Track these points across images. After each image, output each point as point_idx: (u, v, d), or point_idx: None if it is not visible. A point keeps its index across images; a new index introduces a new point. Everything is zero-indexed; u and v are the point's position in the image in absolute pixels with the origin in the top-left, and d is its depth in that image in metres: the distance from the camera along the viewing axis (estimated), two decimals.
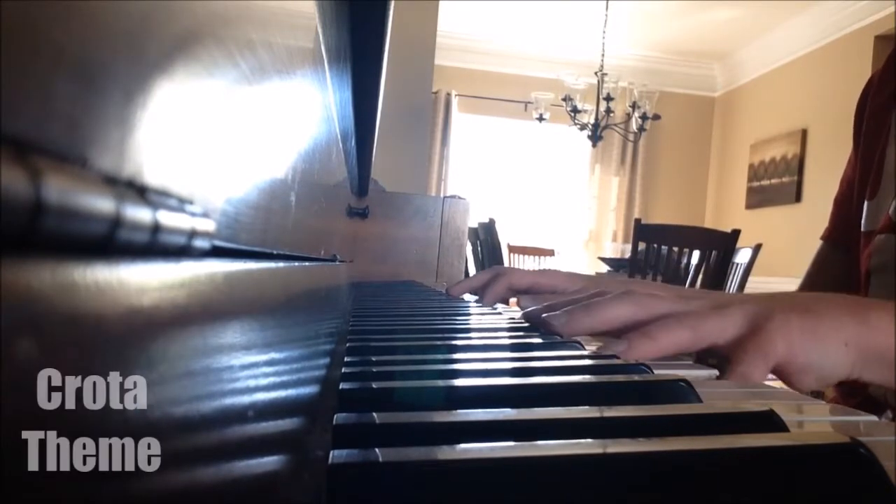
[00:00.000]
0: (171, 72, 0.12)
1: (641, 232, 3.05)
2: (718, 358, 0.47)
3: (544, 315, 0.55)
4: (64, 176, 0.07)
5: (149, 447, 0.10)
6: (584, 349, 0.48)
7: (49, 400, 0.07)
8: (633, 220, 3.41)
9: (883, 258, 0.74)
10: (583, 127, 4.51)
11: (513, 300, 0.94)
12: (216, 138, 0.15)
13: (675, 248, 3.05)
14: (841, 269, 0.85)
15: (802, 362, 0.44)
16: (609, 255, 5.28)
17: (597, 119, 4.44)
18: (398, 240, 1.97)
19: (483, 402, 0.30)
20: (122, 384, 0.09)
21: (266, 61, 0.21)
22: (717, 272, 2.93)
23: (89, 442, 0.08)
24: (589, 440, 0.23)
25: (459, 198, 2.06)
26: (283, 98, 0.27)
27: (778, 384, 0.46)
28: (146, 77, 0.11)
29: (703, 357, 0.52)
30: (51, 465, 0.07)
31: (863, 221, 0.80)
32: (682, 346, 0.47)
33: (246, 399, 0.17)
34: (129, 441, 0.09)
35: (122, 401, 0.09)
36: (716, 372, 0.46)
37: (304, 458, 0.24)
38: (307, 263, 0.35)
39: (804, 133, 4.82)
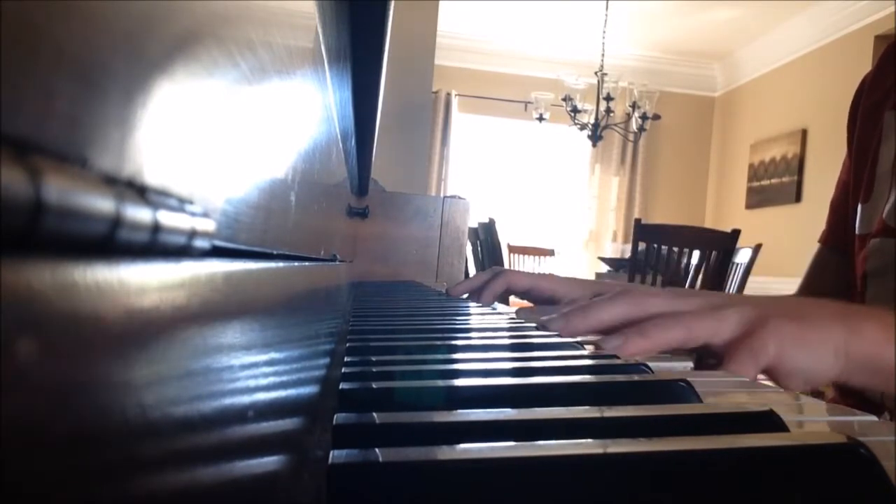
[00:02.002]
0: (171, 72, 0.12)
1: (641, 232, 3.05)
2: (714, 357, 0.48)
3: (542, 318, 0.56)
4: (64, 176, 0.07)
5: (149, 447, 0.10)
6: (584, 349, 0.48)
7: (49, 400, 0.07)
8: (633, 220, 3.41)
9: (878, 261, 0.74)
10: (583, 127, 4.51)
11: (513, 299, 0.94)
12: (216, 138, 0.15)
13: (675, 248, 3.05)
14: (838, 272, 0.85)
15: (790, 366, 0.45)
16: (609, 255, 5.28)
17: (597, 119, 4.44)
18: (398, 240, 1.97)
19: (483, 402, 0.30)
20: (121, 383, 0.09)
21: (266, 61, 0.21)
22: (717, 272, 2.93)
23: (89, 441, 0.08)
24: (589, 440, 0.23)
25: (459, 198, 2.06)
26: (283, 98, 0.27)
27: (773, 384, 0.47)
28: (146, 77, 0.11)
29: (703, 358, 0.52)
30: (51, 466, 0.07)
31: (857, 224, 0.80)
32: (676, 343, 0.48)
33: (246, 399, 0.17)
34: (129, 440, 0.09)
35: (121, 400, 0.09)
36: (690, 364, 0.48)
37: (304, 458, 0.24)
38: (307, 263, 0.35)
39: (804, 133, 4.82)
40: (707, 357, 0.50)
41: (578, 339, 0.52)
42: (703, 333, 0.48)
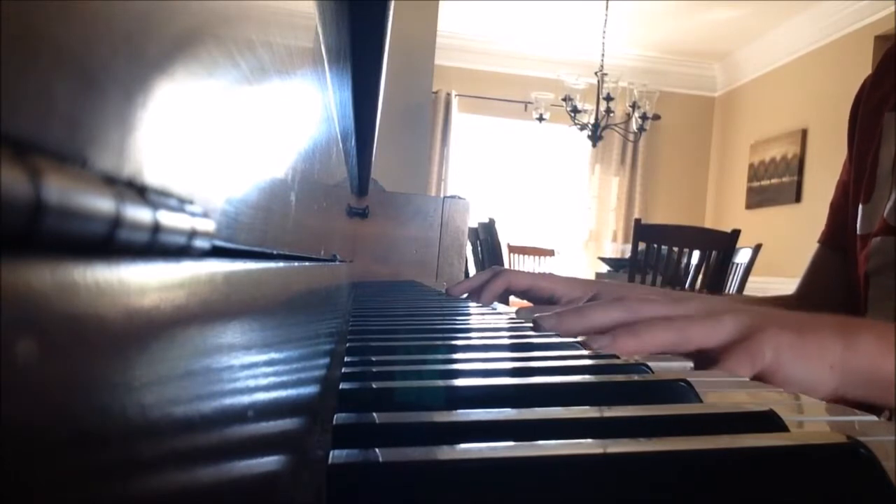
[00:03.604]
0: (171, 72, 0.12)
1: (641, 232, 3.05)
2: (708, 360, 0.47)
3: (535, 316, 0.56)
4: (64, 176, 0.07)
5: (149, 447, 0.10)
6: (585, 349, 0.48)
7: (49, 400, 0.07)
8: (633, 220, 3.41)
9: (880, 260, 0.75)
10: (583, 127, 4.51)
11: (513, 299, 0.94)
12: (216, 138, 0.15)
13: (675, 248, 3.05)
14: (837, 271, 0.86)
15: (785, 376, 0.45)
16: (609, 255, 5.28)
17: (597, 119, 4.44)
18: (398, 240, 1.97)
19: (483, 402, 0.30)
20: (122, 383, 0.09)
21: (266, 61, 0.21)
22: (717, 272, 2.93)
23: (89, 441, 0.08)
24: (589, 440, 0.23)
25: (459, 198, 2.06)
26: (283, 98, 0.27)
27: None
28: (146, 77, 0.11)
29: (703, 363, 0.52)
30: (51, 466, 0.07)
31: (858, 225, 0.80)
32: (667, 346, 0.48)
33: (246, 399, 0.17)
34: (129, 440, 0.09)
35: (121, 400, 0.09)
36: (690, 364, 0.47)
37: (304, 458, 0.24)
38: (307, 263, 0.35)
39: (804, 133, 4.82)
40: (703, 361, 0.49)
41: (569, 340, 0.52)
42: (696, 337, 0.47)
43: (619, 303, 0.53)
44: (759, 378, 0.45)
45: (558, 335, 0.54)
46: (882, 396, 0.47)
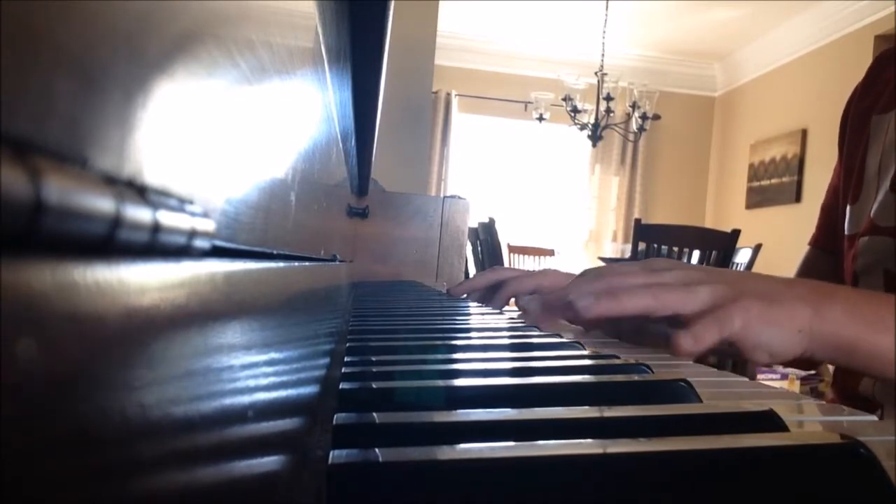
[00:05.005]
0: (171, 72, 0.12)
1: (641, 232, 3.05)
2: (682, 327, 0.51)
3: (527, 297, 0.60)
4: (64, 176, 0.07)
5: (149, 447, 0.10)
6: (585, 349, 0.48)
7: (49, 400, 0.07)
8: (633, 220, 3.41)
9: (868, 259, 0.76)
10: (583, 127, 4.51)
11: (513, 300, 0.95)
12: (216, 138, 0.15)
13: (675, 248, 3.05)
14: (827, 273, 0.87)
15: (755, 341, 0.49)
16: (609, 255, 5.28)
17: (597, 119, 4.44)
18: (398, 240, 1.97)
19: (483, 402, 0.30)
20: (121, 383, 0.09)
21: (266, 61, 0.21)
22: None
23: (89, 441, 0.08)
24: (589, 440, 0.23)
25: (459, 198, 2.06)
26: (283, 98, 0.27)
27: (778, 385, 0.48)
28: (146, 77, 0.11)
29: (704, 357, 0.54)
30: (51, 466, 0.07)
31: (846, 225, 0.82)
32: (644, 310, 0.53)
33: (246, 399, 0.17)
34: (129, 440, 0.09)
35: (121, 400, 0.09)
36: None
37: (304, 458, 0.24)
38: (307, 263, 0.35)
39: (804, 133, 4.82)
40: (709, 355, 0.52)
41: (569, 340, 0.53)
42: (671, 304, 0.52)
43: (600, 276, 0.58)
44: (731, 343, 0.49)
45: (540, 320, 0.58)
46: (846, 360, 0.51)
